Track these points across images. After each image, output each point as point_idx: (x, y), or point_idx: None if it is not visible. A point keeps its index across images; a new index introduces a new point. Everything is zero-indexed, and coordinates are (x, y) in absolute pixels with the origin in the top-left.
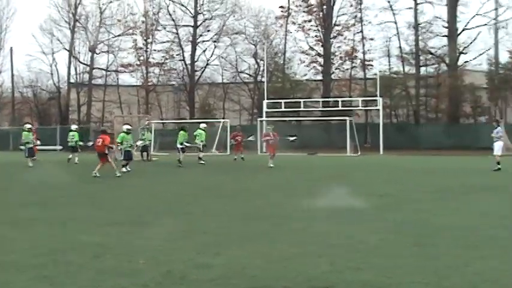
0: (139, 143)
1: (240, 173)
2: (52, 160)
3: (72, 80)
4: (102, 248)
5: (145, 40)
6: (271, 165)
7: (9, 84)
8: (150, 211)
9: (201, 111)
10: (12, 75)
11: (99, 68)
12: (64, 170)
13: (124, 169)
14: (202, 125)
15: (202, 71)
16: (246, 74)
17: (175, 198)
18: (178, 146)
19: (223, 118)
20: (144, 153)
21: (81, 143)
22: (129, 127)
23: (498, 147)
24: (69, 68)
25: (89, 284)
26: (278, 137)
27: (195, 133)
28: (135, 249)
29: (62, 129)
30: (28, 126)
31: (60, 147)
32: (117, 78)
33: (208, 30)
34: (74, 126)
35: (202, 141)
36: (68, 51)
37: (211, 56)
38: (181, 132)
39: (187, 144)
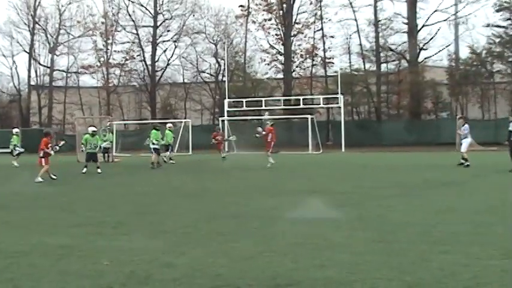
0: (104, 144)
1: (206, 173)
2: (8, 163)
3: (32, 82)
4: (66, 249)
5: (106, 41)
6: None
7: None
8: (114, 212)
9: (163, 112)
10: None
11: (59, 70)
12: (20, 173)
13: (84, 169)
14: (169, 125)
15: (163, 71)
16: (207, 73)
17: (140, 198)
18: (152, 146)
19: (185, 118)
20: (106, 155)
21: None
22: (94, 129)
23: (466, 143)
24: (29, 70)
25: (52, 286)
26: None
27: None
28: (99, 250)
29: (23, 131)
30: (16, 130)
31: (22, 150)
32: (78, 80)
33: (168, 30)
34: (15, 130)
35: (169, 141)
36: (28, 53)
37: (172, 56)
38: (154, 131)
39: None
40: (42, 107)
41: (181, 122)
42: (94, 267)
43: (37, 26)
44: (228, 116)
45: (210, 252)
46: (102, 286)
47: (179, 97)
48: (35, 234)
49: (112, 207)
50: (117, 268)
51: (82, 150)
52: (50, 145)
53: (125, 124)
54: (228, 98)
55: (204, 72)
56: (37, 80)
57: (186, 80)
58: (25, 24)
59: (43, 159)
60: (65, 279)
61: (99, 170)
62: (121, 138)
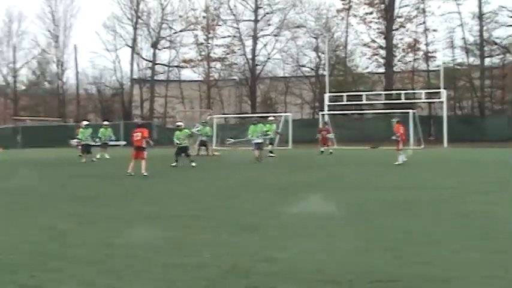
0: (196, 133)
1: (306, 168)
2: (114, 156)
3: (135, 76)
4: (168, 242)
5: (207, 35)
6: (403, 160)
7: (74, 81)
8: (213, 204)
9: (263, 106)
10: (77, 72)
11: (161, 64)
12: (115, 166)
13: (174, 163)
14: (270, 118)
15: (264, 65)
16: (308, 67)
17: (236, 191)
18: (255, 141)
19: (285, 112)
20: (203, 148)
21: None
22: (180, 123)
23: None
24: (132, 64)
25: (155, 278)
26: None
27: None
28: (201, 243)
29: (125, 124)
30: (85, 123)
31: (124, 143)
32: (179, 74)
33: (269, 24)
34: (105, 123)
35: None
36: (131, 47)
37: (272, 50)
38: (252, 126)
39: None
40: (144, 101)
41: (281, 116)
42: (195, 259)
43: (140, 20)
44: (328, 111)
45: (310, 247)
46: (204, 278)
47: (279, 91)
48: (136, 226)
49: (212, 200)
50: (218, 261)
51: (176, 144)
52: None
53: (225, 118)
54: (329, 92)
55: (304, 66)
56: (139, 73)
57: (286, 74)
58: (128, 19)
59: (141, 152)
60: (167, 271)
61: (193, 164)
62: (221, 132)
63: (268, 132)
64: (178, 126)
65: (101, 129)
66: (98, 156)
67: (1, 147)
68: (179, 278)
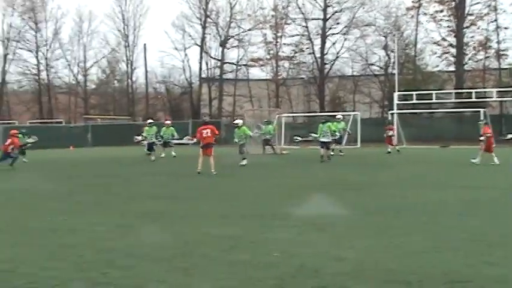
0: (257, 135)
1: (370, 166)
2: (181, 154)
3: (203, 75)
4: (236, 240)
5: (275, 34)
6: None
7: (143, 80)
8: (281, 204)
9: (332, 104)
10: (146, 71)
11: (229, 63)
12: (181, 164)
13: (244, 161)
14: (338, 116)
15: (332, 64)
16: (377, 66)
17: (304, 190)
18: (321, 139)
19: (354, 111)
20: (267, 147)
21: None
22: (238, 122)
23: None
24: (200, 63)
25: (223, 276)
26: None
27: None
28: (269, 241)
29: (193, 123)
30: (149, 121)
31: (193, 141)
32: (248, 73)
33: (338, 23)
34: (167, 122)
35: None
36: (200, 46)
37: (341, 49)
38: (320, 125)
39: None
40: (212, 99)
41: (350, 114)
42: (264, 258)
43: (208, 19)
44: (397, 109)
45: (379, 247)
46: (272, 277)
47: (348, 90)
48: (206, 224)
49: (281, 199)
50: (286, 260)
51: (235, 142)
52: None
53: (293, 117)
54: (398, 91)
55: (373, 64)
56: (208, 72)
57: (354, 73)
58: (197, 18)
59: (210, 149)
60: (235, 269)
61: (243, 162)
62: (289, 131)
63: (335, 131)
64: (236, 124)
65: (163, 128)
66: (163, 155)
67: (72, 145)
68: (248, 276)
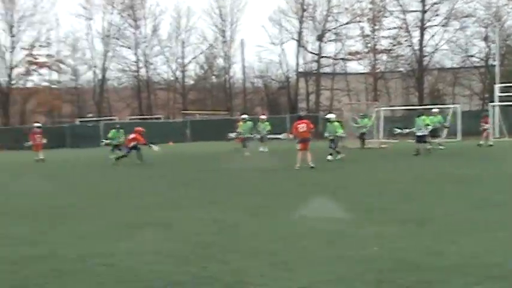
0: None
1: (472, 160)
2: (278, 149)
3: (300, 69)
4: (336, 234)
5: (373, 27)
6: None
7: (241, 75)
8: (381, 197)
9: (431, 97)
10: (244, 66)
11: (327, 57)
12: (278, 159)
13: (330, 157)
14: (435, 110)
15: (431, 57)
16: (477, 58)
17: (406, 184)
18: (417, 133)
19: (453, 104)
20: (362, 140)
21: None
22: (331, 116)
23: None
24: (297, 57)
25: (324, 270)
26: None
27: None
28: (369, 236)
29: (291, 118)
30: (243, 116)
31: (292, 136)
32: (345, 66)
33: (437, 15)
34: (262, 117)
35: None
36: (297, 41)
37: (440, 41)
38: (416, 118)
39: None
40: (309, 94)
41: (449, 107)
42: (364, 252)
43: (305, 13)
44: (498, 102)
45: (481, 241)
46: (372, 271)
47: (447, 82)
48: (306, 218)
49: (380, 193)
50: (386, 254)
51: (325, 137)
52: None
53: (391, 110)
54: (499, 82)
55: (473, 56)
56: (305, 66)
57: (454, 65)
58: (294, 12)
59: (307, 143)
60: (335, 263)
61: (329, 157)
62: (388, 125)
63: (428, 125)
64: (328, 119)
65: (258, 123)
66: (261, 149)
67: (171, 141)
68: (347, 270)
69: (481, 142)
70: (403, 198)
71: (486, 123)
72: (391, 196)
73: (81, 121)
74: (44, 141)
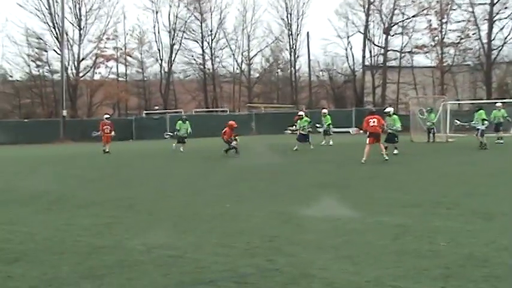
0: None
1: None
2: (344, 142)
3: (366, 63)
4: (402, 229)
5: (440, 20)
6: None
7: (306, 69)
8: (449, 192)
9: (499, 91)
10: (309, 59)
11: (393, 50)
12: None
13: (395, 151)
14: (499, 105)
15: (500, 50)
16: None
17: (472, 179)
18: (477, 127)
19: None
20: (430, 135)
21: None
22: (390, 110)
23: None
24: (363, 50)
25: (390, 265)
26: None
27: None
28: (436, 230)
29: (357, 111)
30: (300, 113)
31: (356, 129)
32: (412, 60)
33: (506, 7)
34: (324, 111)
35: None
36: (363, 34)
37: (509, 34)
38: (479, 111)
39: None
40: (375, 87)
41: None
42: (430, 247)
43: (372, 6)
44: None
45: None
46: (439, 266)
47: None
48: (372, 212)
49: (446, 187)
50: (454, 249)
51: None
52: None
53: (458, 104)
54: None
55: None
56: (371, 60)
57: None
58: (360, 5)
59: (378, 138)
60: (401, 258)
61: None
62: (455, 119)
63: (485, 120)
64: (387, 112)
65: (321, 117)
66: (324, 143)
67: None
68: (414, 265)
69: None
70: (469, 192)
71: None
72: (458, 190)
73: (147, 113)
74: (113, 133)
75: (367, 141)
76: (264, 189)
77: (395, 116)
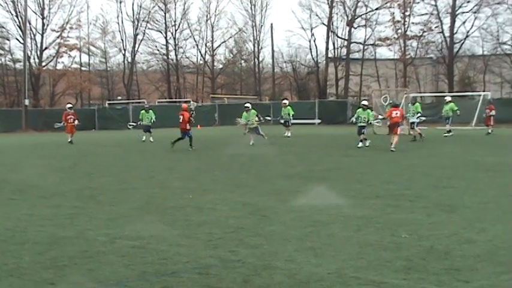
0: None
1: (502, 148)
2: (306, 133)
3: (330, 55)
4: (364, 220)
5: (403, 13)
6: None
7: (270, 60)
8: (411, 185)
9: (460, 84)
10: (273, 50)
11: (356, 42)
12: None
13: (361, 144)
14: (448, 98)
15: (462, 44)
16: (508, 45)
17: (435, 171)
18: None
19: (484, 91)
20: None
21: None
22: (365, 102)
23: None
24: (327, 42)
25: (352, 257)
26: None
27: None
28: (398, 223)
29: (320, 103)
30: (284, 101)
31: (319, 121)
32: (375, 52)
33: (468, 1)
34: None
35: None
36: (326, 26)
37: (471, 28)
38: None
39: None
40: (339, 79)
41: (480, 94)
42: (392, 239)
43: None
44: None
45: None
46: (401, 258)
47: (478, 69)
48: (335, 204)
49: (409, 180)
50: (415, 242)
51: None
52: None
53: (421, 97)
54: None
55: (505, 43)
56: (334, 52)
57: (485, 52)
58: None
59: (398, 128)
60: (364, 250)
61: (360, 145)
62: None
63: (419, 112)
64: (364, 105)
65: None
66: (285, 134)
67: (199, 125)
68: (376, 257)
69: (489, 131)
70: (432, 185)
71: (490, 109)
72: (421, 183)
73: (110, 103)
74: (76, 122)
75: (388, 132)
76: (227, 180)
77: (368, 111)
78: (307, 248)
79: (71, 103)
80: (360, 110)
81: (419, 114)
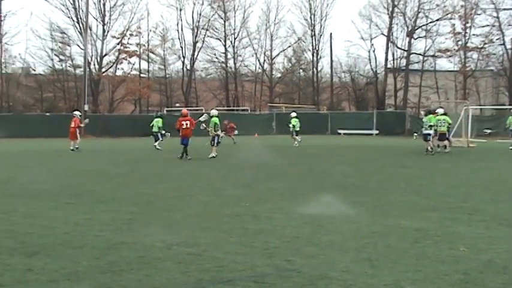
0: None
1: None
2: (363, 144)
3: (389, 65)
4: (422, 233)
5: (464, 24)
6: None
7: (328, 70)
8: (470, 198)
9: None
10: (332, 60)
11: (416, 53)
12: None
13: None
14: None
15: None
16: None
17: (494, 185)
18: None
19: None
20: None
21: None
22: (441, 110)
23: None
24: (386, 53)
25: (409, 269)
26: None
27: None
28: (456, 236)
29: (378, 113)
30: (292, 114)
31: (377, 132)
32: (434, 63)
33: None
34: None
35: None
36: (386, 36)
37: None
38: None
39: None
40: (397, 90)
41: None
42: (450, 252)
43: (396, 9)
44: None
45: None
46: (459, 272)
47: None
48: (391, 216)
49: (466, 193)
50: (473, 255)
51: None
52: None
53: (480, 109)
54: None
55: None
56: (394, 62)
57: None
58: (384, 7)
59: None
60: (421, 262)
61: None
62: (477, 124)
63: (432, 126)
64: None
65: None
66: (296, 144)
67: (256, 133)
68: (434, 270)
69: None
70: (491, 198)
71: None
72: (478, 196)
73: (168, 110)
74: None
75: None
76: (284, 189)
77: (431, 116)
78: (363, 259)
79: (78, 110)
80: (431, 116)
81: (434, 128)
